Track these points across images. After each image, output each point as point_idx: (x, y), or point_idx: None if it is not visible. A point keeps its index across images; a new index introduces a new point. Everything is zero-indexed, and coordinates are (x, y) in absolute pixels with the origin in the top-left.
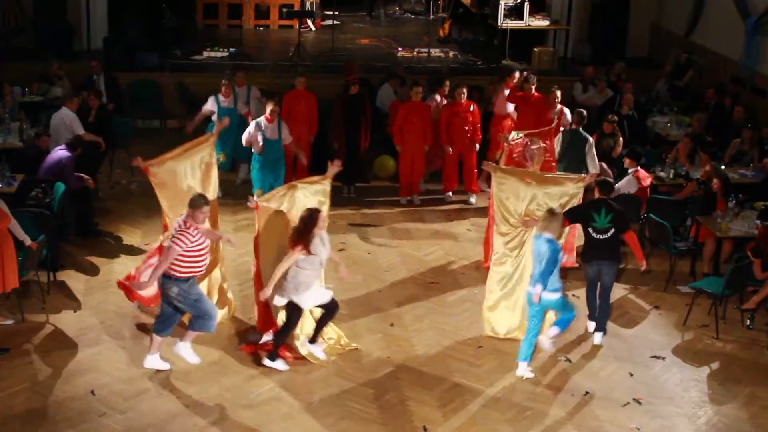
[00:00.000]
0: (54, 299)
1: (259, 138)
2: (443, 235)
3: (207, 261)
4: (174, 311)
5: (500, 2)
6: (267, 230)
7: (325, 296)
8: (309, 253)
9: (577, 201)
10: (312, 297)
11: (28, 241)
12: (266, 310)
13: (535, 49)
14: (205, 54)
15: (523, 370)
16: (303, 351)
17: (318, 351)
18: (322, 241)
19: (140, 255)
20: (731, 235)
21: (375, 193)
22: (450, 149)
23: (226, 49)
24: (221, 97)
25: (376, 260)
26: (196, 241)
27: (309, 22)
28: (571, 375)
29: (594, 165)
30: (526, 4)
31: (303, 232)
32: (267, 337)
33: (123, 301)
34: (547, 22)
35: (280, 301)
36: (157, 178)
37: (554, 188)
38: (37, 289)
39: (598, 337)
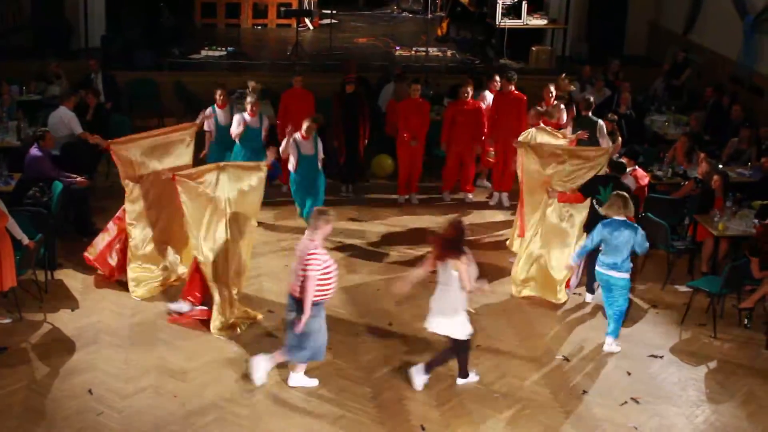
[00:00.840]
0: (52, 298)
1: (294, 155)
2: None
3: (335, 282)
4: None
5: (498, 1)
6: (188, 206)
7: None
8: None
9: (602, 172)
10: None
11: (25, 240)
12: (196, 279)
13: (533, 48)
14: (203, 53)
15: (610, 344)
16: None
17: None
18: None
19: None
20: (729, 234)
21: (373, 191)
22: (444, 147)
23: (223, 48)
24: (247, 116)
25: (374, 259)
26: (326, 261)
27: (307, 20)
28: (569, 374)
29: (608, 144)
30: (523, 3)
31: (460, 242)
32: (185, 305)
33: (121, 300)
34: (545, 21)
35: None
36: (119, 157)
37: (581, 161)
38: (34, 288)
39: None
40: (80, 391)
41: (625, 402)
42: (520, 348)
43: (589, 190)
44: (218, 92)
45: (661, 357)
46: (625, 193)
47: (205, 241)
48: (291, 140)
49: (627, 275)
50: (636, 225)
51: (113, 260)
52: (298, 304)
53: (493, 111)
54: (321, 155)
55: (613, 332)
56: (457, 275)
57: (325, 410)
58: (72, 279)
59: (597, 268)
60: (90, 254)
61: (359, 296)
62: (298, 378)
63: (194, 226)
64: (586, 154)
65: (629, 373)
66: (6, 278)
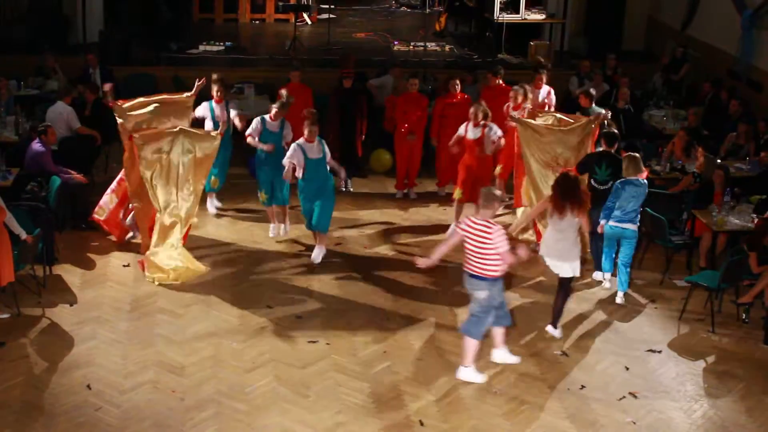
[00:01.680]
0: (50, 293)
1: (300, 161)
2: (439, 229)
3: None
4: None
5: None
6: (143, 164)
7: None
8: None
9: (592, 137)
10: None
11: (23, 235)
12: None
13: (531, 43)
14: (201, 48)
15: (621, 297)
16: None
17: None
18: None
19: (136, 249)
20: (727, 229)
21: (371, 186)
22: (434, 142)
23: (221, 43)
24: (268, 119)
25: (372, 255)
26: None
27: (305, 15)
28: (567, 369)
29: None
30: None
31: (577, 191)
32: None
33: (119, 295)
34: (543, 16)
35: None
36: (121, 114)
37: (575, 128)
38: (33, 283)
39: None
40: (79, 386)
41: (623, 397)
42: (517, 342)
43: (585, 167)
44: (215, 87)
45: (659, 352)
46: (636, 155)
47: (157, 196)
48: (295, 147)
49: (636, 226)
50: (644, 181)
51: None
52: (480, 280)
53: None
54: (329, 156)
55: (623, 285)
56: (578, 221)
57: (322, 405)
58: (70, 274)
59: (610, 223)
60: (99, 215)
61: (357, 291)
62: (468, 372)
63: (149, 183)
64: (576, 118)
65: (627, 368)
66: (4, 273)
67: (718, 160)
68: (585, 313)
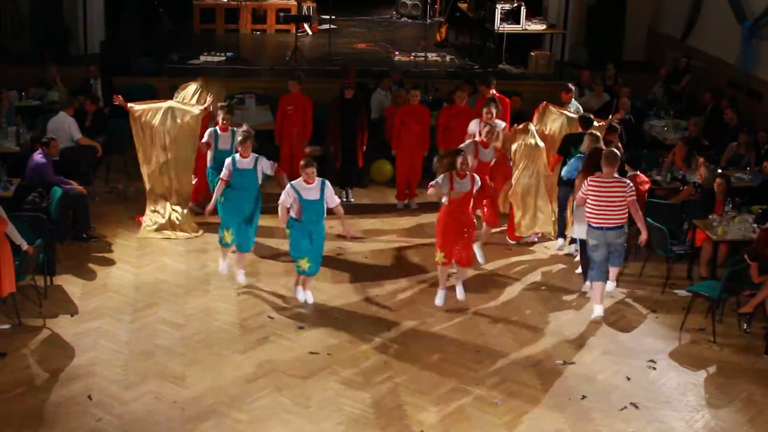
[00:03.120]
0: (51, 304)
1: (295, 202)
2: None
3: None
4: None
5: (497, 6)
6: (138, 136)
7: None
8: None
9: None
10: None
11: (24, 246)
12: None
13: (532, 53)
14: (202, 58)
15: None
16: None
17: None
18: None
19: (136, 259)
20: (728, 239)
21: (372, 197)
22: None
23: (222, 54)
24: (238, 157)
25: (373, 264)
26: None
27: (306, 26)
28: (568, 379)
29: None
30: (522, 8)
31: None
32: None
33: (120, 306)
34: (544, 26)
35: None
36: (135, 117)
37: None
38: (34, 293)
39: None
40: (80, 396)
41: (625, 407)
42: (519, 353)
43: (563, 149)
44: (221, 114)
45: (659, 362)
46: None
47: (147, 165)
48: (289, 188)
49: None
50: None
51: None
52: (620, 228)
53: (476, 115)
54: (335, 202)
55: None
56: None
57: (324, 415)
58: (71, 284)
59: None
60: None
61: (358, 302)
62: (601, 309)
63: (142, 152)
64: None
65: (628, 378)
66: (5, 284)
67: (719, 170)
68: (586, 323)
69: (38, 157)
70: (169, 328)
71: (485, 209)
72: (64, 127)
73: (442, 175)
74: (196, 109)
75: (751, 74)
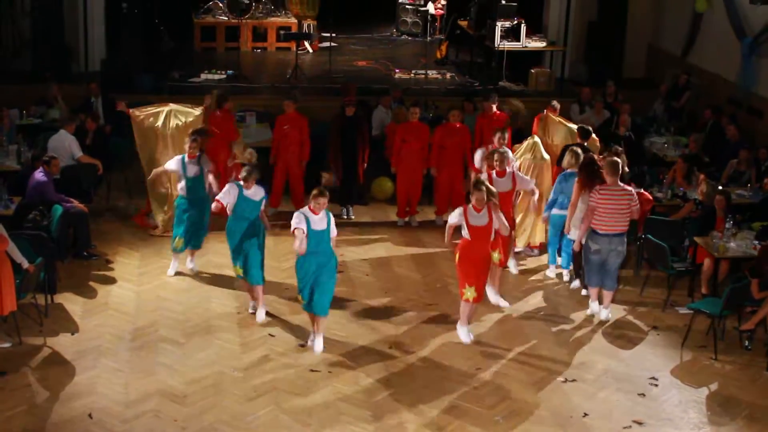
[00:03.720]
0: (51, 322)
1: (303, 231)
2: (441, 257)
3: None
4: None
5: (497, 24)
6: (139, 137)
7: None
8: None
9: None
10: None
11: (25, 264)
12: None
13: (532, 71)
14: (203, 76)
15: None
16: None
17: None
18: None
19: (137, 278)
20: (729, 256)
21: (373, 214)
22: (435, 171)
23: (223, 72)
24: (244, 187)
25: (374, 282)
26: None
27: (306, 44)
28: (570, 396)
29: None
30: (522, 25)
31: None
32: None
33: (121, 324)
34: (544, 44)
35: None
36: (137, 121)
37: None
38: (34, 312)
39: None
40: (80, 415)
41: (629, 426)
42: (519, 370)
43: (561, 158)
44: (188, 141)
45: (661, 380)
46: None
47: (149, 165)
48: (299, 214)
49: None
50: None
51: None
52: (624, 236)
53: (477, 133)
54: (334, 232)
55: (568, 264)
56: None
57: None
58: (72, 303)
59: (554, 212)
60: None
61: (359, 319)
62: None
63: (147, 156)
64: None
65: (630, 396)
66: (6, 302)
67: (720, 187)
68: (587, 340)
69: (39, 175)
70: (169, 346)
71: (500, 251)
72: (65, 145)
73: (456, 211)
74: (197, 110)
75: (752, 91)
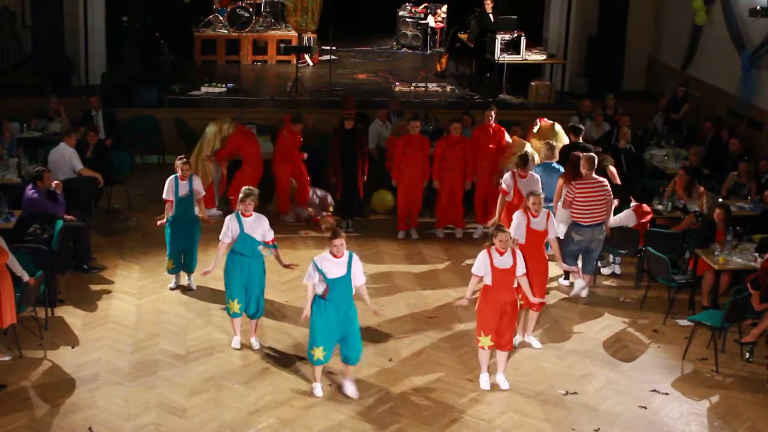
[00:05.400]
0: (52, 335)
1: (317, 279)
2: (441, 270)
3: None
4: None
5: (497, 37)
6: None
7: None
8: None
9: None
10: None
11: (26, 277)
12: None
13: (532, 83)
14: (203, 89)
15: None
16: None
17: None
18: None
19: (137, 290)
20: (730, 268)
21: (373, 227)
22: (437, 184)
23: (223, 85)
24: (243, 217)
25: (374, 295)
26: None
27: (306, 57)
28: (572, 409)
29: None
30: (522, 38)
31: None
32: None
33: (121, 337)
34: (544, 56)
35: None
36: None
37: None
38: (34, 325)
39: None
40: (80, 428)
41: None
42: (520, 382)
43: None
44: (179, 162)
45: (664, 393)
46: (551, 142)
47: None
48: (312, 268)
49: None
50: (559, 166)
51: None
52: (602, 225)
53: (474, 144)
54: (361, 280)
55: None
56: None
57: None
58: (72, 316)
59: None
60: None
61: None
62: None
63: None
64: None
65: (632, 408)
66: (6, 315)
67: (720, 199)
68: (588, 353)
69: (30, 192)
70: (170, 359)
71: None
72: (65, 158)
73: (480, 256)
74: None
75: (751, 104)
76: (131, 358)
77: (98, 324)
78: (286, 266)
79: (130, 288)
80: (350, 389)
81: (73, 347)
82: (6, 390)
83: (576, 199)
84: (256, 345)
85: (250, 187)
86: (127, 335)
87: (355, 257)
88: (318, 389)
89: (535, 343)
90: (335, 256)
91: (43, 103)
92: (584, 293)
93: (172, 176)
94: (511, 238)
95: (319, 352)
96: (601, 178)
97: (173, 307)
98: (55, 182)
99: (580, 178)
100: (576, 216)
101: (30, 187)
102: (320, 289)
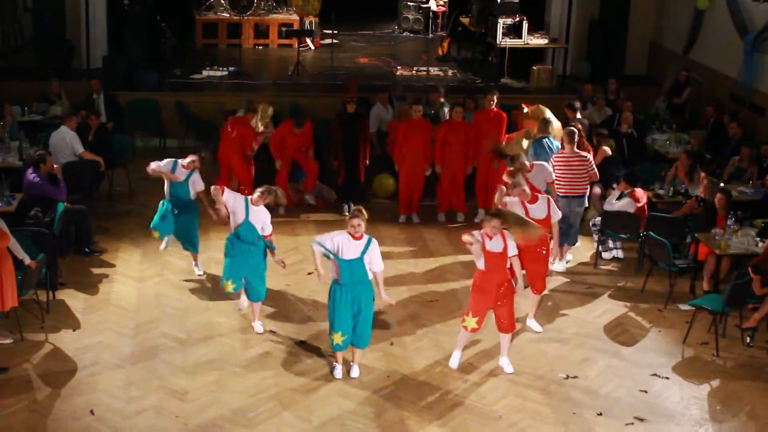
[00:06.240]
0: (53, 318)
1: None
2: (443, 253)
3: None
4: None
5: (499, 21)
6: None
7: None
8: None
9: None
10: None
11: (27, 260)
12: None
13: (534, 68)
14: (205, 73)
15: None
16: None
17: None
18: None
19: (138, 274)
20: (731, 253)
21: (374, 211)
22: (439, 168)
23: (225, 68)
24: (251, 204)
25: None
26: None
27: (308, 40)
28: (572, 393)
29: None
30: (524, 22)
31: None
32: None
33: (122, 320)
34: (546, 41)
35: None
36: None
37: None
38: (36, 308)
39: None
40: (82, 411)
41: (631, 423)
42: (521, 367)
43: None
44: (193, 156)
45: (665, 377)
46: (547, 117)
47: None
48: (331, 240)
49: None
50: (555, 141)
51: None
52: (581, 198)
53: (475, 128)
54: (379, 266)
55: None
56: None
57: (327, 430)
58: (73, 299)
59: None
60: None
61: None
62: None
63: None
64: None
65: (632, 392)
66: (7, 298)
67: (721, 184)
68: (588, 337)
69: (31, 176)
70: (171, 343)
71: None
72: (66, 141)
73: (475, 237)
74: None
75: (753, 88)
76: (132, 341)
77: (99, 307)
78: (277, 261)
79: (131, 271)
80: (354, 370)
81: (74, 330)
82: (7, 373)
83: (554, 170)
84: (258, 329)
85: (274, 188)
86: (128, 318)
87: (374, 243)
88: (338, 370)
89: (536, 326)
90: (354, 238)
91: (45, 86)
92: (558, 267)
93: (174, 159)
94: (498, 226)
95: (338, 338)
96: (584, 153)
97: (175, 290)
98: (55, 166)
99: (560, 151)
100: (556, 187)
101: (31, 170)
102: (332, 270)
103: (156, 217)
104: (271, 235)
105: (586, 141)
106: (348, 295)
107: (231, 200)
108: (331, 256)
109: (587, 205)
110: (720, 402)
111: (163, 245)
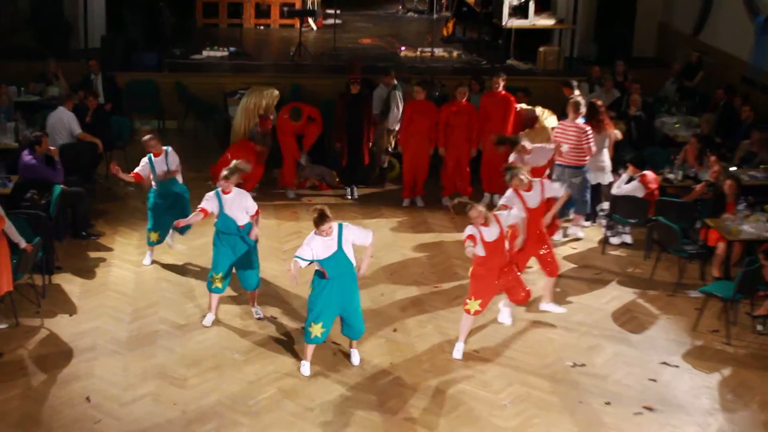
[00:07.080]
0: (49, 303)
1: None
2: (447, 239)
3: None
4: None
5: (505, 1)
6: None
7: None
8: None
9: None
10: None
11: (23, 244)
12: None
13: (541, 49)
14: (205, 53)
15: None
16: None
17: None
18: None
19: (136, 258)
20: (742, 238)
21: (378, 194)
22: (442, 151)
23: (225, 49)
24: (222, 193)
25: (379, 264)
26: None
27: (310, 21)
28: (580, 381)
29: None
30: (531, 2)
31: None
32: None
33: (120, 305)
34: (553, 21)
35: None
36: None
37: None
38: (32, 292)
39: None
40: (78, 398)
41: (640, 412)
42: (527, 355)
43: None
44: (148, 139)
45: (676, 366)
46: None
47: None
48: (309, 250)
49: None
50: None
51: None
52: (577, 168)
53: (482, 112)
54: (367, 240)
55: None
56: None
57: (329, 418)
58: (70, 283)
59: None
60: None
61: (364, 301)
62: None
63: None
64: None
65: (641, 381)
66: (2, 282)
67: (731, 168)
68: (596, 324)
69: (27, 158)
70: (169, 328)
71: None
72: (64, 122)
73: (468, 231)
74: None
75: (764, 70)
76: (130, 326)
77: (97, 292)
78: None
79: (129, 255)
80: (354, 358)
81: (70, 315)
82: (2, 358)
83: (555, 138)
84: (257, 315)
85: (237, 164)
86: (126, 303)
87: (346, 226)
88: (306, 367)
89: (556, 308)
90: (326, 234)
91: (43, 66)
92: (555, 236)
93: (146, 156)
94: (484, 212)
95: (317, 329)
96: (585, 126)
97: (173, 275)
98: (52, 148)
99: (562, 120)
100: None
101: (27, 152)
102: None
103: (150, 221)
104: (257, 213)
105: (606, 117)
106: (335, 288)
107: (212, 206)
108: (314, 261)
109: (587, 179)
110: (731, 391)
111: (169, 240)
